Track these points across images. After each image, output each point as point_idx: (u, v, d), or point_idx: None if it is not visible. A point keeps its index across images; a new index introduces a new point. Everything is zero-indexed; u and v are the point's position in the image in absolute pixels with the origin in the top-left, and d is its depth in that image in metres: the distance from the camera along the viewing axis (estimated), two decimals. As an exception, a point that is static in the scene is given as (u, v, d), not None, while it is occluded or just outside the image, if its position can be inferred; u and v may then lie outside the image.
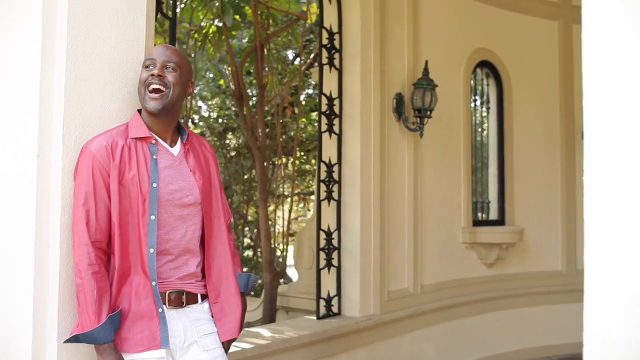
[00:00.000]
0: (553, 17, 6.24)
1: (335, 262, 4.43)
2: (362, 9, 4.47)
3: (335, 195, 4.45)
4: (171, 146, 2.24)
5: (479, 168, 5.92)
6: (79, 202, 2.04)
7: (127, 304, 2.08)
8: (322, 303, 4.34)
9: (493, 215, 5.94)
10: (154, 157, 2.16)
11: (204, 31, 5.11)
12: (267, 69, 5.32)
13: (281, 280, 5.72)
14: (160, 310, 2.09)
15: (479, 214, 5.89)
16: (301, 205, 9.93)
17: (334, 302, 4.41)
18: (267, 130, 7.55)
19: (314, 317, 4.29)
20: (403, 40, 4.87)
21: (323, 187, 4.40)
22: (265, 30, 5.05)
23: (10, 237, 2.18)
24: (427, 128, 4.91)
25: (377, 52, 4.56)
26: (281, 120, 5.93)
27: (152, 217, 2.10)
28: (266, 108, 6.19)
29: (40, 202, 2.13)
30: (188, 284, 2.21)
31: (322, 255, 4.37)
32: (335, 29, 4.47)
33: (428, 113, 4.71)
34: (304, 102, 6.75)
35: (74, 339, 1.99)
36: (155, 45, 2.40)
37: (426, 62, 4.77)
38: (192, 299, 2.21)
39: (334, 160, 4.45)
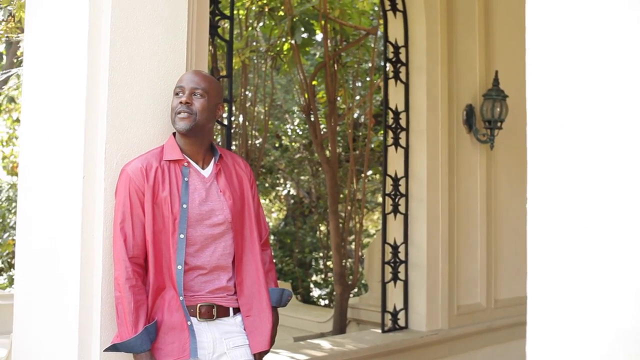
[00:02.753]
0: None
1: (402, 275, 4.42)
2: (428, 21, 4.45)
3: (402, 209, 4.44)
4: (203, 167, 2.36)
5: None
6: (117, 221, 2.21)
7: (161, 316, 2.22)
8: (388, 316, 4.35)
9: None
10: (185, 179, 2.29)
11: (277, 49, 5.27)
12: (340, 84, 5.41)
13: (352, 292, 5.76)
14: (189, 323, 2.21)
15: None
16: (376, 216, 9.91)
17: (401, 315, 4.40)
18: (342, 143, 7.63)
19: (380, 331, 4.31)
20: (474, 50, 4.80)
21: (389, 201, 4.41)
22: (335, 46, 5.14)
23: (60, 253, 2.39)
24: (501, 139, 4.80)
25: (444, 64, 4.52)
26: (364, 133, 6.02)
27: (182, 236, 2.23)
28: (343, 121, 6.27)
29: (85, 220, 2.32)
30: (219, 297, 2.32)
31: (388, 268, 4.38)
32: (401, 43, 4.48)
33: (498, 124, 4.61)
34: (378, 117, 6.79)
35: (113, 347, 2.15)
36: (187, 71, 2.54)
37: (496, 72, 4.67)
38: (223, 312, 2.32)
39: (401, 173, 4.45)
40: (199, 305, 2.27)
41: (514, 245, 5.08)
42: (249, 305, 2.37)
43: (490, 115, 4.56)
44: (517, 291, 5.08)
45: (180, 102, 2.27)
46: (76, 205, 2.32)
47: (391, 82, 4.46)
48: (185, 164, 2.31)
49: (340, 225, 5.45)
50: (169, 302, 2.23)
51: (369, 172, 8.34)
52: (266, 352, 2.41)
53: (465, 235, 4.69)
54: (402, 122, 4.48)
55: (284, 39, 5.22)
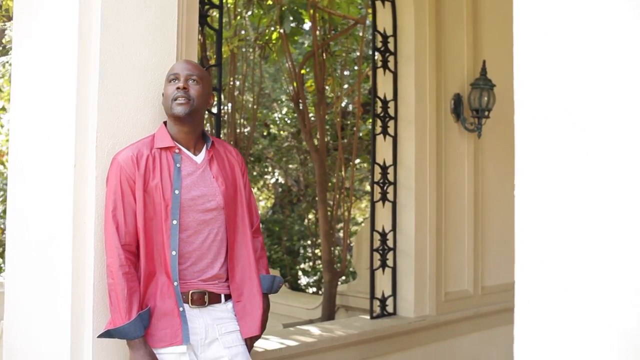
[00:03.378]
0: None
1: (390, 262, 4.47)
2: (416, 11, 4.47)
3: (390, 196, 4.48)
4: (195, 154, 2.38)
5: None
6: (109, 209, 2.23)
7: (153, 302, 2.24)
8: (376, 303, 4.40)
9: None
10: (177, 165, 2.31)
11: (265, 38, 5.28)
12: (328, 73, 5.42)
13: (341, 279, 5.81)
14: (181, 309, 2.24)
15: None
16: (364, 205, 9.97)
17: (389, 302, 4.45)
18: (330, 131, 7.65)
19: (368, 317, 4.36)
20: (462, 40, 4.83)
21: (377, 189, 4.45)
22: (324, 35, 5.15)
23: (51, 241, 2.40)
24: (488, 129, 4.84)
25: (432, 53, 4.55)
26: (352, 121, 6.04)
27: (174, 222, 2.25)
28: (332, 110, 6.29)
29: (77, 208, 2.33)
30: (211, 284, 2.35)
31: (377, 256, 4.42)
32: (389, 32, 4.50)
33: (486, 113, 4.65)
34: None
35: (107, 334, 2.17)
36: (179, 60, 2.55)
37: (484, 62, 4.70)
38: (214, 298, 2.35)
39: (389, 162, 4.48)
40: (190, 292, 2.30)
41: (500, 233, 5.15)
42: (239, 291, 2.41)
43: (478, 104, 4.60)
44: (503, 278, 5.15)
45: (178, 88, 2.29)
46: (67, 193, 2.34)
47: (380, 71, 4.49)
48: (177, 150, 2.33)
49: (329, 213, 5.49)
50: (161, 288, 2.26)
51: (357, 161, 8.38)
52: (257, 337, 2.45)
53: (453, 223, 4.74)
54: (391, 111, 4.51)
55: (272, 28, 5.23)
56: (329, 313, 5.23)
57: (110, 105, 2.38)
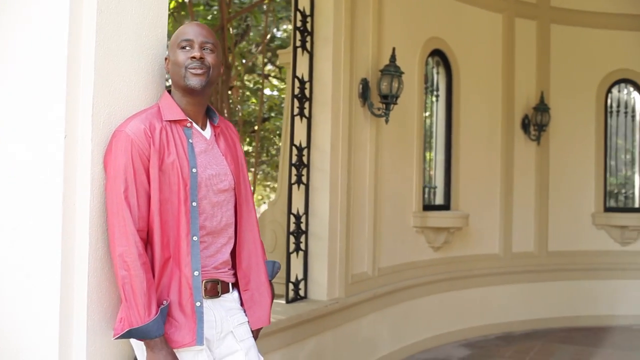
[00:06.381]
0: (498, 10, 6.44)
1: (302, 246, 4.42)
2: (334, -9, 4.43)
3: (304, 179, 4.42)
4: (203, 129, 2.14)
5: (427, 154, 6.06)
6: (118, 190, 1.92)
7: (166, 295, 1.99)
8: (291, 287, 4.32)
9: (439, 200, 6.11)
10: (190, 140, 2.06)
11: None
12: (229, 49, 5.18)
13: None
14: (198, 304, 2.00)
15: (426, 199, 6.03)
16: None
17: (301, 285, 4.40)
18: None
19: (283, 302, 4.27)
20: (368, 26, 4.88)
21: (294, 171, 4.36)
22: (228, 9, 4.91)
23: (32, 227, 2.02)
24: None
25: (347, 37, 4.55)
26: (230, 101, 5.82)
27: (194, 204, 2.01)
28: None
29: (68, 188, 1.98)
30: (222, 272, 2.13)
31: (292, 239, 4.34)
32: (308, 12, 4.41)
33: (394, 100, 4.76)
34: (251, 84, 6.63)
35: (127, 334, 1.88)
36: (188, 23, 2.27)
37: (393, 49, 4.81)
38: (225, 288, 2.14)
39: (304, 144, 4.41)
40: (204, 281, 2.07)
41: (393, 216, 5.32)
42: (247, 279, 2.22)
43: (388, 91, 4.69)
44: (395, 259, 5.34)
45: (194, 57, 2.03)
46: (56, 170, 1.98)
47: (299, 51, 4.39)
48: (188, 124, 2.08)
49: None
50: (176, 279, 2.00)
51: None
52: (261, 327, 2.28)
53: (358, 207, 4.80)
54: (307, 92, 4.43)
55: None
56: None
57: (107, 69, 2.05)
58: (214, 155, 2.13)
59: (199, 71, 2.02)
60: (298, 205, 4.40)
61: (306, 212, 4.44)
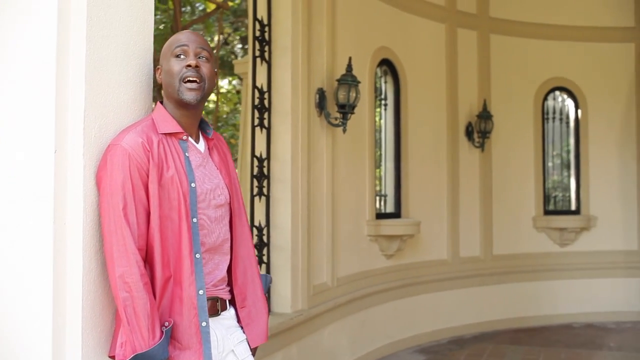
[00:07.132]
0: (441, 20, 6.58)
1: (265, 259, 4.34)
2: (292, 1, 4.40)
3: (265, 190, 4.35)
4: (196, 142, 2.07)
5: (378, 162, 6.10)
6: (117, 207, 1.81)
7: (167, 317, 1.89)
8: (255, 301, 4.23)
9: (390, 208, 6.16)
10: (186, 154, 1.98)
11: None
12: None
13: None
14: (204, 324, 1.92)
15: (378, 207, 6.07)
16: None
17: (264, 299, 4.32)
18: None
19: (248, 316, 4.17)
20: (323, 35, 4.88)
21: (255, 183, 4.29)
22: (180, 17, 4.79)
23: (22, 248, 1.88)
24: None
25: (305, 46, 4.52)
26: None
27: (195, 220, 1.93)
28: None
29: (58, 204, 1.86)
30: (220, 289, 2.06)
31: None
32: (265, 21, 4.36)
33: (352, 109, 4.77)
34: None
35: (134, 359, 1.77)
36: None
37: (349, 59, 4.82)
38: (223, 305, 2.07)
39: (265, 155, 4.35)
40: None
41: (349, 225, 5.32)
42: (243, 295, 2.15)
43: (346, 100, 4.69)
44: (351, 269, 5.33)
45: (189, 66, 1.94)
46: (46, 186, 1.85)
47: (258, 60, 4.33)
48: (184, 137, 1.99)
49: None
50: (178, 299, 1.91)
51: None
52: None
53: (317, 217, 4.77)
54: (266, 103, 4.38)
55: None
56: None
57: (97, 81, 1.94)
58: (209, 169, 2.06)
59: (194, 85, 1.94)
60: (260, 217, 4.33)
61: (267, 225, 4.37)
